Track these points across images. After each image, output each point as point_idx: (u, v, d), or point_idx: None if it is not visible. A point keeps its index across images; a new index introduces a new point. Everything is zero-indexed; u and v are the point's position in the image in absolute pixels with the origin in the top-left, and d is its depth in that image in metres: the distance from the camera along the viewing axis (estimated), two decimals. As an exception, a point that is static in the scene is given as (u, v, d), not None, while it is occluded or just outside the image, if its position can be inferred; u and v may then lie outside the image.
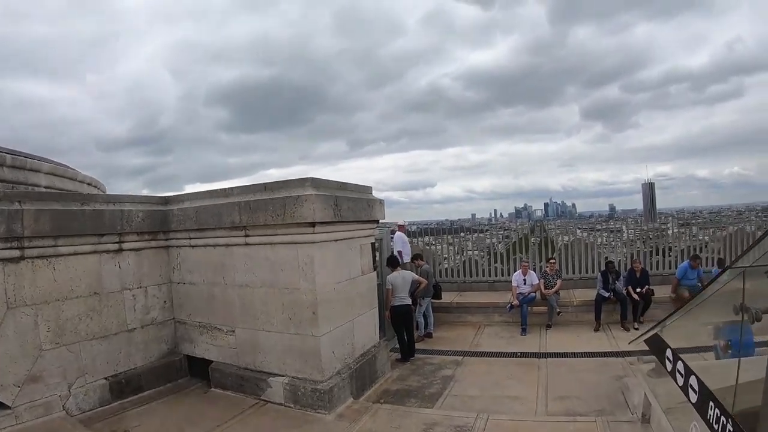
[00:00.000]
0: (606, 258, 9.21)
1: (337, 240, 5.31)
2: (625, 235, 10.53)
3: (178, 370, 5.81)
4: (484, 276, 9.98)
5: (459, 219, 12.02)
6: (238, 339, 5.44)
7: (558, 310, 8.06)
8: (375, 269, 6.25)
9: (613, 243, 10.07)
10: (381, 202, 6.21)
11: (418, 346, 7.45)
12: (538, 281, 8.37)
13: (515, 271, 9.20)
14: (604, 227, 10.86)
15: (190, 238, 5.78)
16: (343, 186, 5.59)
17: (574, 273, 9.60)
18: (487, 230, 11.46)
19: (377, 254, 7.61)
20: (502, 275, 9.83)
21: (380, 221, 6.63)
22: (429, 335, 8.10)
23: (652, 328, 3.25)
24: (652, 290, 8.02)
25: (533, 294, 8.25)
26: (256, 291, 5.28)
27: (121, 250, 5.37)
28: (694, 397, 2.57)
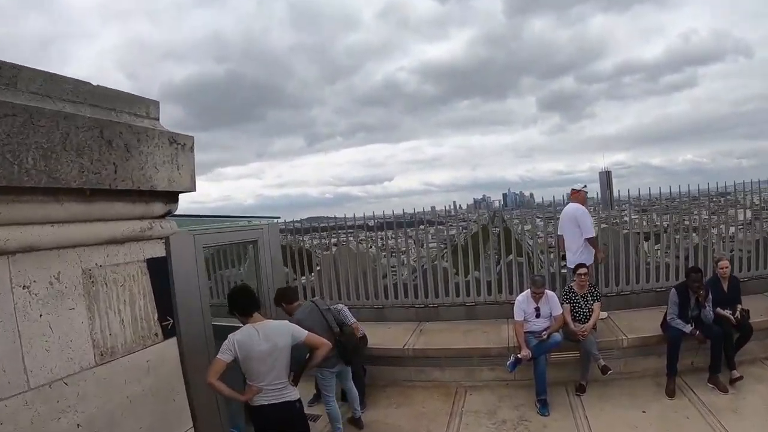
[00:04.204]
0: (687, 263, 5.25)
1: None
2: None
3: None
4: (458, 296, 5.87)
5: (418, 212, 8.74)
6: None
7: (602, 361, 4.23)
8: (173, 334, 2.17)
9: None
10: (182, 145, 2.10)
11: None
12: (560, 311, 4.51)
13: (518, 290, 5.38)
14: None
15: None
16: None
17: (608, 285, 5.58)
18: (447, 222, 8.75)
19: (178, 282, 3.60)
20: (488, 293, 5.80)
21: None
22: (357, 424, 4.18)
23: None
24: (747, 311, 4.41)
25: (558, 337, 4.35)
26: None
27: None
28: None
